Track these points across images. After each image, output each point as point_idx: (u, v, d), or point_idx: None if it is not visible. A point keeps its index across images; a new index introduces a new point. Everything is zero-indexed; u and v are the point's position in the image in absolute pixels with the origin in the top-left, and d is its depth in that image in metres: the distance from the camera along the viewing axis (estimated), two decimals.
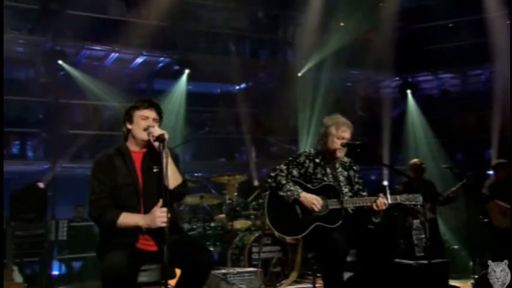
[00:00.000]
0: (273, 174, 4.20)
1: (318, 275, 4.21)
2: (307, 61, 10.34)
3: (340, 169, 4.30)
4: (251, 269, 5.86)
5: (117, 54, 9.89)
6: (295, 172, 4.20)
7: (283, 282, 6.01)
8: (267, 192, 4.23)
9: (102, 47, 9.62)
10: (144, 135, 3.39)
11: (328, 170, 4.24)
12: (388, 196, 4.04)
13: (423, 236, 5.77)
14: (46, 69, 9.18)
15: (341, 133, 4.18)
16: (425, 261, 4.69)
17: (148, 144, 3.42)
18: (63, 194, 8.76)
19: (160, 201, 3.19)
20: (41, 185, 7.75)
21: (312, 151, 4.33)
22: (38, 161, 9.32)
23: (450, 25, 11.81)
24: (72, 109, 9.53)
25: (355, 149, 4.17)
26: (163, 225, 3.14)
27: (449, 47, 11.39)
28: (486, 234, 6.81)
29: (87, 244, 7.38)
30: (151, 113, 3.45)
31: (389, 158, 10.32)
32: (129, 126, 3.46)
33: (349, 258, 4.06)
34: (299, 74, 10.45)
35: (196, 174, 9.42)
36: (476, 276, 4.84)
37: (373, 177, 11.26)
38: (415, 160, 7.33)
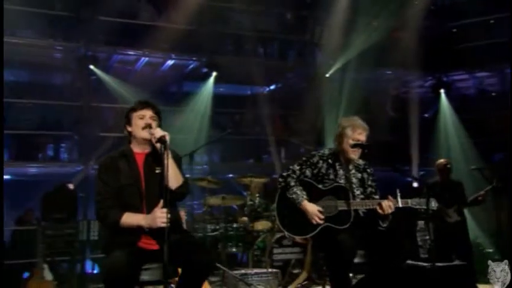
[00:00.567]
0: (284, 174, 4.22)
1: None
2: (335, 61, 10.28)
3: (353, 171, 4.28)
4: (269, 269, 5.90)
5: (147, 58, 10.09)
6: (308, 172, 4.21)
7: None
8: (278, 192, 4.26)
9: (133, 51, 9.84)
10: (144, 134, 3.49)
11: (341, 171, 4.22)
12: (399, 199, 3.99)
13: (427, 237, 5.65)
14: (79, 74, 9.46)
15: (357, 135, 4.16)
16: (442, 264, 4.59)
17: (151, 146, 3.51)
18: None
19: (161, 202, 3.28)
20: (71, 186, 8.00)
21: (326, 152, 4.32)
22: (72, 163, 9.60)
23: (491, 21, 11.48)
24: (103, 112, 9.79)
25: (363, 150, 4.14)
26: (164, 225, 3.21)
27: (483, 44, 11.08)
28: None
29: None
30: (147, 112, 3.56)
31: (420, 159, 10.14)
32: (130, 129, 3.59)
33: (358, 260, 4.05)
34: (327, 75, 10.40)
35: (226, 176, 9.51)
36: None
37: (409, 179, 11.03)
38: (441, 160, 7.19)
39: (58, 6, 9.34)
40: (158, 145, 3.37)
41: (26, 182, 9.82)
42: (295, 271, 6.18)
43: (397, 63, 10.63)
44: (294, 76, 11.28)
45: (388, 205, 3.95)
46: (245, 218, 6.96)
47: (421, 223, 5.84)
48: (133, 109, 3.59)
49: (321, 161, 4.23)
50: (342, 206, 4.06)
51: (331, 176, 4.18)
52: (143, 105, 3.60)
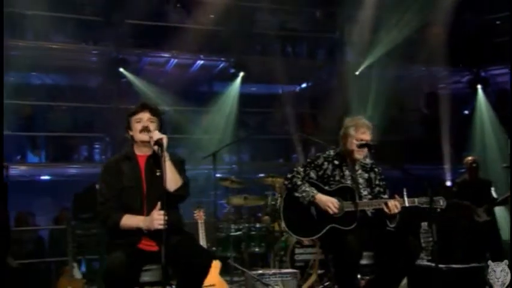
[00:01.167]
0: (289, 175, 4.20)
1: None
2: (365, 59, 10.12)
3: (360, 171, 4.22)
4: (288, 270, 5.87)
5: (176, 60, 10.22)
6: (312, 174, 4.18)
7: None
8: (283, 194, 4.25)
9: (162, 53, 9.98)
10: (142, 137, 3.53)
11: (347, 172, 4.17)
12: (406, 198, 3.91)
13: (431, 239, 5.50)
14: (110, 77, 9.68)
15: (360, 135, 4.10)
16: (461, 266, 4.47)
17: (152, 148, 3.56)
18: None
19: (159, 204, 3.32)
20: (98, 186, 8.16)
21: (332, 153, 4.27)
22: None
23: None
24: None
25: (369, 150, 4.08)
26: (161, 227, 3.26)
27: None
28: None
29: None
30: (144, 115, 3.58)
31: (454, 157, 9.86)
32: (131, 133, 3.63)
33: (367, 262, 3.99)
34: (356, 73, 10.27)
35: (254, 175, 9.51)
36: None
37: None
38: (468, 158, 7.00)
39: (88, 11, 9.58)
40: (156, 148, 3.41)
41: (65, 182, 10.16)
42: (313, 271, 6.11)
43: (431, 59, 10.37)
44: (323, 75, 11.17)
45: (394, 204, 3.87)
46: (267, 218, 6.97)
47: (424, 224, 5.68)
48: (132, 113, 3.63)
49: (326, 163, 4.19)
50: (348, 206, 4.01)
51: (337, 178, 4.13)
52: (140, 108, 3.62)
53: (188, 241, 3.53)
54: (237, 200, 7.01)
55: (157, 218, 3.28)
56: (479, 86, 11.17)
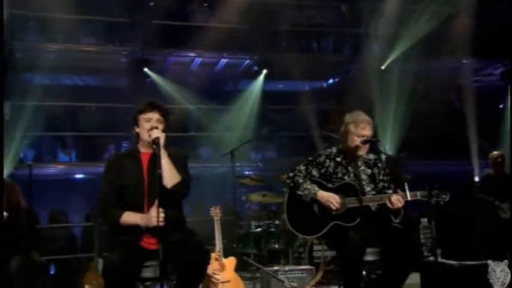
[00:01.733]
0: (291, 174, 4.22)
1: None
2: (391, 53, 9.96)
3: (363, 167, 4.19)
4: (304, 266, 5.88)
5: (200, 59, 10.30)
6: (314, 172, 4.17)
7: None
8: (286, 193, 4.25)
9: (186, 52, 10.06)
10: (148, 137, 3.57)
11: (349, 168, 4.15)
12: (408, 193, 3.86)
13: (430, 235, 5.37)
14: (136, 77, 9.85)
15: (360, 130, 4.08)
16: (470, 262, 4.37)
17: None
18: None
19: (156, 202, 3.37)
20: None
21: (334, 150, 4.26)
22: None
23: None
24: None
25: (372, 146, 4.04)
26: (159, 224, 3.31)
27: None
28: None
29: None
30: (154, 115, 3.62)
31: (484, 152, 9.57)
32: (137, 130, 3.68)
33: (372, 258, 3.95)
34: (382, 67, 10.11)
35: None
36: None
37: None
38: (494, 152, 6.82)
39: (115, 13, 9.77)
40: (154, 146, 3.47)
41: (96, 180, 10.38)
42: (329, 268, 6.07)
43: (460, 50, 10.12)
44: (350, 70, 11.05)
45: (396, 199, 3.84)
46: (284, 215, 6.94)
47: (424, 220, 5.54)
48: (141, 111, 3.67)
49: (328, 160, 4.17)
50: (351, 202, 3.98)
51: (340, 175, 4.11)
52: (150, 107, 3.66)
53: (188, 238, 3.56)
54: (255, 197, 7.03)
55: (155, 215, 3.33)
56: None
